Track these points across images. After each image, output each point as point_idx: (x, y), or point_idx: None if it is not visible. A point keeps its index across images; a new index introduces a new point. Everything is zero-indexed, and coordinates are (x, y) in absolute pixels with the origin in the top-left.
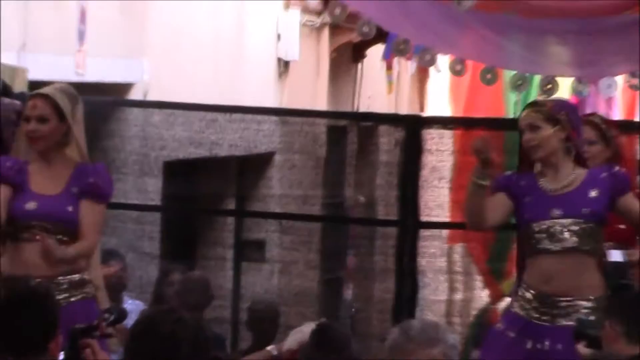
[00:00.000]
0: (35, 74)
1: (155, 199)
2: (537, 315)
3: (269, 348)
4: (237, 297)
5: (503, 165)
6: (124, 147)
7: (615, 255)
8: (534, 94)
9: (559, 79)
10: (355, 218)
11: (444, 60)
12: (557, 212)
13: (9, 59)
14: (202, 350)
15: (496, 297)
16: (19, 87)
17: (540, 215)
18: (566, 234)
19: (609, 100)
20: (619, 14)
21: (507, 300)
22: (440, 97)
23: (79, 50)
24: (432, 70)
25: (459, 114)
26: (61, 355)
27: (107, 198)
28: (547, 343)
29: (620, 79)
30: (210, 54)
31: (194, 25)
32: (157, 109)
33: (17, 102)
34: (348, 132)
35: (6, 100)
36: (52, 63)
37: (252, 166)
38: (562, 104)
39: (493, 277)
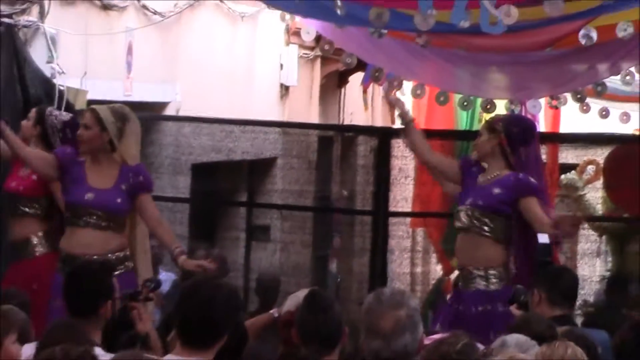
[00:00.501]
0: (93, 95)
1: (185, 193)
2: (461, 283)
3: (271, 311)
4: (248, 269)
5: None
6: (161, 153)
7: (543, 238)
8: (477, 112)
9: (497, 101)
10: (339, 208)
11: (408, 85)
12: (469, 200)
13: (73, 83)
14: (234, 312)
15: (448, 271)
16: (80, 105)
17: (462, 200)
18: (464, 218)
19: (534, 117)
20: (544, 49)
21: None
22: None
23: (127, 77)
24: (398, 93)
25: (420, 127)
26: None
27: (152, 188)
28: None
29: (543, 101)
30: (228, 79)
31: (215, 56)
32: (187, 122)
33: (65, 114)
34: (334, 141)
35: (55, 111)
36: (106, 87)
37: (260, 168)
38: (506, 118)
39: (445, 255)
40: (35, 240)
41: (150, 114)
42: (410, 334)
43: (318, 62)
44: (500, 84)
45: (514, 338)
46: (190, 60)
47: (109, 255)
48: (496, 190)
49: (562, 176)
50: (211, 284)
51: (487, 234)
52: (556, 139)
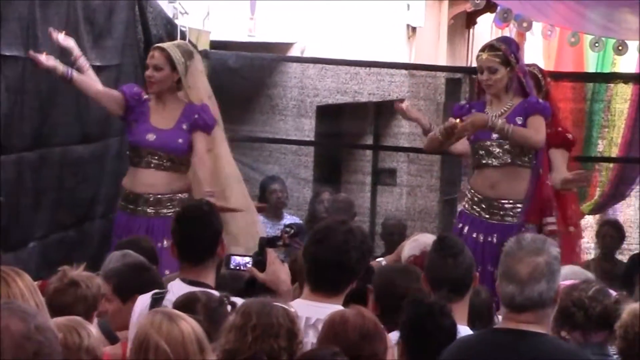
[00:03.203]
0: (215, 36)
1: (310, 136)
2: (487, 215)
3: (378, 259)
4: (374, 213)
5: (582, 111)
6: (285, 95)
7: None
8: (609, 54)
9: (629, 42)
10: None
11: (538, 26)
12: (494, 135)
13: (195, 24)
14: (366, 255)
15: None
16: (203, 46)
17: (485, 135)
18: (499, 152)
19: None
20: None
21: (588, 217)
22: (535, 55)
23: (251, 17)
24: (528, 34)
25: (550, 69)
26: (245, 260)
27: (211, 129)
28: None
29: None
30: (354, 21)
31: (341, 0)
32: (311, 64)
33: None
34: (462, 83)
35: None
36: (229, 27)
37: (386, 110)
38: (510, 45)
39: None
40: None
41: (274, 55)
42: (547, 282)
43: (445, 2)
44: (632, 25)
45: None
46: (314, 0)
47: (171, 195)
48: (518, 121)
49: None
50: (344, 227)
51: (527, 164)
52: (561, 76)
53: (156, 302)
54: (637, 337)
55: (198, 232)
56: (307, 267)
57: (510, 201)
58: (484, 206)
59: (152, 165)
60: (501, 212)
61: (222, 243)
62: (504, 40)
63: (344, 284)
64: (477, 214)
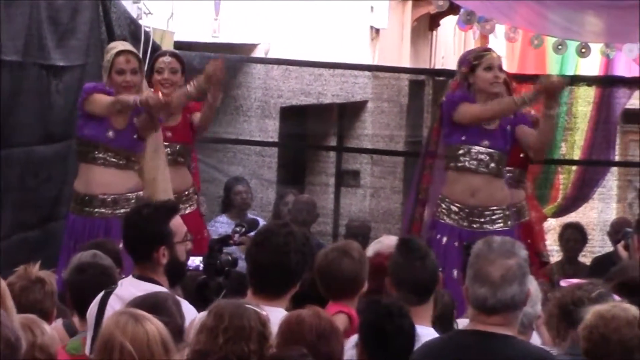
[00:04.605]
0: (179, 37)
1: (274, 137)
2: (465, 224)
3: None
4: (337, 215)
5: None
6: (249, 96)
7: None
8: (572, 56)
9: (592, 44)
10: (432, 151)
11: (501, 29)
12: (485, 141)
13: (159, 25)
14: (307, 258)
15: (541, 218)
16: (166, 47)
17: (475, 139)
18: (486, 159)
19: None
20: None
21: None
22: None
23: (215, 18)
24: (491, 36)
25: (513, 71)
26: (194, 262)
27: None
28: None
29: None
30: (318, 22)
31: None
32: (275, 65)
33: None
34: (425, 85)
35: None
36: (194, 28)
37: (350, 111)
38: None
39: (538, 201)
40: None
41: (238, 56)
42: (519, 285)
43: (409, 4)
44: (596, 27)
45: None
46: (279, 2)
47: (128, 194)
48: (509, 128)
49: None
50: (284, 230)
51: (501, 174)
52: (526, 79)
53: (107, 295)
54: (601, 338)
55: (135, 235)
56: (248, 270)
57: (490, 208)
58: (463, 215)
59: (108, 163)
60: (481, 220)
61: (159, 247)
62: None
63: (285, 287)
64: (455, 223)
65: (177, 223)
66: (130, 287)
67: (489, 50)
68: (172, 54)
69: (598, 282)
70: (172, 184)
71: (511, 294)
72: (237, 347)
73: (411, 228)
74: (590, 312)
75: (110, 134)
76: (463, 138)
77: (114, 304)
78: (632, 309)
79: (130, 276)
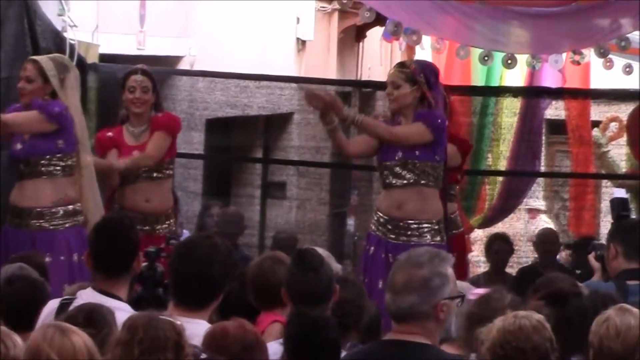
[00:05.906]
0: (105, 49)
1: (199, 149)
2: (392, 236)
3: None
4: (263, 227)
5: (471, 125)
6: (175, 108)
7: (618, 192)
8: (497, 67)
9: (517, 55)
10: (357, 165)
11: (427, 40)
12: (399, 154)
13: (84, 37)
14: (231, 269)
15: (467, 229)
16: (92, 59)
17: (389, 155)
18: (404, 172)
19: (561, 73)
20: (569, 3)
21: (477, 231)
22: None
23: (140, 31)
24: (418, 48)
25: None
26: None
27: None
28: None
29: (564, 56)
30: (242, 33)
31: (230, 10)
32: (201, 77)
33: None
34: (352, 96)
35: None
36: (119, 40)
37: (276, 123)
38: (423, 66)
39: (465, 213)
40: None
41: (163, 69)
42: (419, 296)
43: (335, 15)
44: (522, 38)
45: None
46: (204, 14)
47: (54, 208)
48: None
49: None
50: (208, 242)
51: (432, 183)
52: (579, 94)
53: (63, 307)
54: (515, 350)
55: (117, 245)
56: (171, 281)
57: (417, 221)
58: (389, 227)
59: (35, 174)
60: (408, 233)
61: (138, 258)
62: (422, 63)
63: (207, 299)
64: (382, 235)
65: None
66: (92, 301)
67: (394, 67)
68: (144, 72)
69: (500, 287)
70: (153, 198)
71: (409, 302)
72: (154, 358)
73: None
74: (494, 329)
75: (18, 145)
76: (379, 158)
77: None
78: (533, 314)
79: (90, 289)
